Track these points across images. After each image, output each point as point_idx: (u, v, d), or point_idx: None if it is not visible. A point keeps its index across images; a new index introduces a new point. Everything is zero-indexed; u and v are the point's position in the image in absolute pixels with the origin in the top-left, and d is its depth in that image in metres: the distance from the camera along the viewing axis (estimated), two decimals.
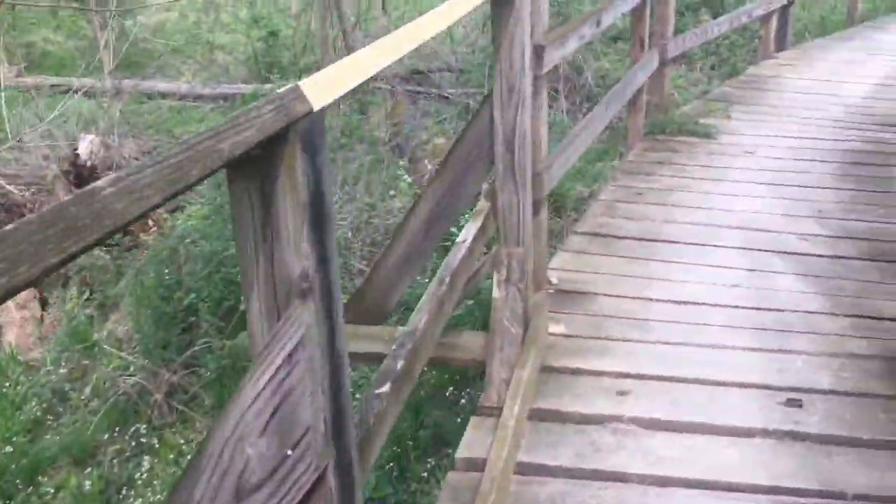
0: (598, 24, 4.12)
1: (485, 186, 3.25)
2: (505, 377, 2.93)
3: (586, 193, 5.36)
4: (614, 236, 4.22)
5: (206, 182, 6.13)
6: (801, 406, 2.82)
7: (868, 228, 4.28)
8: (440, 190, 3.02)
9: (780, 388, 2.93)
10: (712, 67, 8.07)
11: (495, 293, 3.06)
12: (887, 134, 5.78)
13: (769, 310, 3.49)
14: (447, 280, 2.58)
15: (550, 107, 7.58)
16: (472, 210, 3.36)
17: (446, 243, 3.50)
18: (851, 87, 7.07)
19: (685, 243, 4.14)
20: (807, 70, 7.60)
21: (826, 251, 4.03)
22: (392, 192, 6.07)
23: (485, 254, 3.36)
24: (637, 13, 5.19)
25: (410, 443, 3.59)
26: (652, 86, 5.82)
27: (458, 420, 3.52)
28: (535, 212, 3.45)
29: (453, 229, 3.81)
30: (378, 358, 2.67)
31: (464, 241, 2.85)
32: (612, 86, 5.61)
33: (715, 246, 4.10)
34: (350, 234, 5.54)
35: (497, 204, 3.13)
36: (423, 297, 2.52)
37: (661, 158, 5.33)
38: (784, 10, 8.08)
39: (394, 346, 2.19)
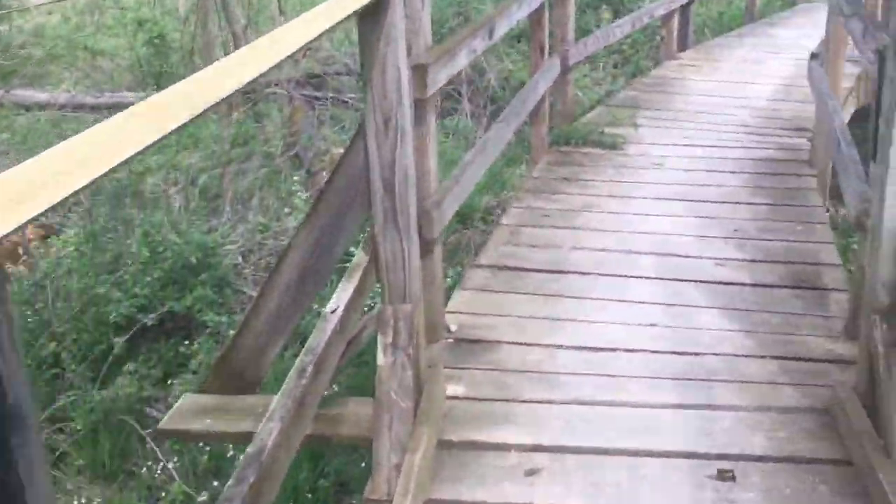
0: (492, 34, 3.70)
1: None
2: (395, 462, 2.48)
3: (494, 203, 5.01)
4: (520, 269, 3.81)
5: (83, 202, 5.49)
6: (734, 479, 2.46)
7: (787, 249, 3.99)
8: (312, 238, 2.56)
9: (708, 457, 2.56)
10: (615, 66, 7.84)
11: (380, 360, 2.61)
12: (797, 139, 5.57)
13: (691, 354, 3.14)
14: (310, 369, 2.10)
15: (455, 110, 7.20)
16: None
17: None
18: (756, 88, 6.90)
19: (596, 274, 3.76)
20: (711, 71, 7.40)
21: (746, 278, 3.71)
22: (287, 210, 5.64)
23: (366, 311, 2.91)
24: (535, 18, 4.79)
25: (309, 495, 3.21)
26: (555, 93, 5.46)
27: (363, 465, 3.13)
28: (426, 252, 3.01)
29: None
30: (247, 438, 2.20)
31: (335, 311, 2.37)
32: (517, 88, 5.21)
33: (628, 276, 3.74)
34: (241, 258, 5.14)
35: (378, 254, 2.67)
36: (277, 398, 2.03)
37: (568, 174, 4.97)
38: (684, 8, 7.88)
39: (230, 481, 1.69)
